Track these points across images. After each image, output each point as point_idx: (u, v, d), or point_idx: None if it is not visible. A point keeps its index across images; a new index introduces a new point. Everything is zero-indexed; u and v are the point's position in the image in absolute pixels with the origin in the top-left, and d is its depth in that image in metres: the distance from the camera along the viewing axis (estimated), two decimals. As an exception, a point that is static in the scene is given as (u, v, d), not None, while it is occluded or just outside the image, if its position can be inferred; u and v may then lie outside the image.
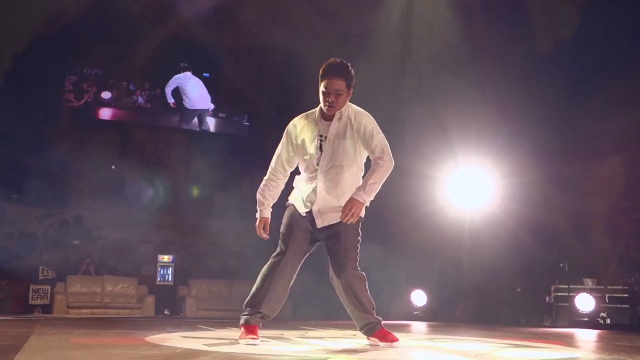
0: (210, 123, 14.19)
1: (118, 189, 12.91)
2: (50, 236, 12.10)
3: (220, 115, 14.31)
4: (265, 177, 4.02)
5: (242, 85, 14.13)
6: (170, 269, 11.64)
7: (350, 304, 3.96)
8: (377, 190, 3.73)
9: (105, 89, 13.64)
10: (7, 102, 10.82)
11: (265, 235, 3.99)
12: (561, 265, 8.85)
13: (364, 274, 3.96)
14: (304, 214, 3.89)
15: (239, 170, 12.34)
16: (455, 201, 9.58)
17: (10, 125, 11.02)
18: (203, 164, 12.66)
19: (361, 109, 3.91)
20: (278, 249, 3.92)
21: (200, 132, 14.16)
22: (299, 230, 3.87)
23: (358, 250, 3.96)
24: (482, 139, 8.94)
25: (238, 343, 3.75)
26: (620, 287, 8.32)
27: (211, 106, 14.11)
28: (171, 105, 13.81)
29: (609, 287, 8.32)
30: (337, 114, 3.82)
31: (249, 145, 13.48)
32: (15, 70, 10.74)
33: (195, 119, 14.08)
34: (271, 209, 4.02)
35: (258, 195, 4.00)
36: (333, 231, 3.88)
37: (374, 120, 3.86)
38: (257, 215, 3.99)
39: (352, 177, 3.86)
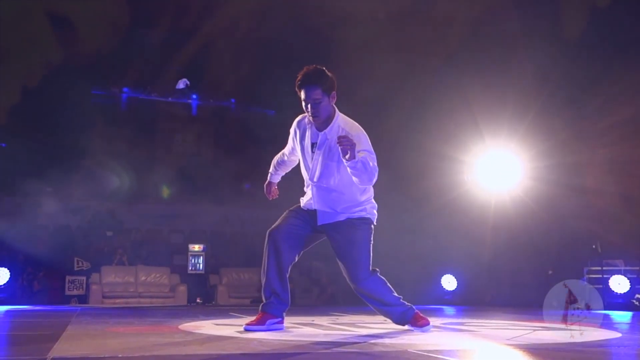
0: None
1: (148, 181, 13.09)
2: (84, 228, 12.35)
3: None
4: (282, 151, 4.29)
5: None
6: (201, 258, 11.80)
7: (375, 306, 3.98)
8: (362, 174, 3.58)
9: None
10: (42, 98, 11.05)
11: (269, 195, 4.37)
12: (594, 247, 8.72)
13: (377, 275, 3.89)
14: (305, 208, 3.99)
15: (265, 159, 12.39)
16: (484, 184, 9.49)
17: (43, 120, 11.24)
18: (230, 154, 12.75)
19: (351, 121, 3.88)
20: None
21: (227, 122, 14.28)
22: (289, 212, 4.03)
23: (370, 254, 3.89)
24: (509, 122, 8.81)
25: (269, 330, 3.80)
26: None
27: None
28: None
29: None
30: (329, 125, 3.81)
31: (276, 133, 13.53)
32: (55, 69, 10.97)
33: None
34: (277, 177, 4.39)
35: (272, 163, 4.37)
36: (339, 234, 3.86)
37: (366, 135, 3.80)
38: None
39: (346, 184, 3.79)
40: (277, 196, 4.38)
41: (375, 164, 3.69)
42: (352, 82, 9.90)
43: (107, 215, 12.66)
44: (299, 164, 4.11)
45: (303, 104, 3.81)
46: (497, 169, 9.29)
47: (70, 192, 12.11)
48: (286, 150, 4.21)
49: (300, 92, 3.80)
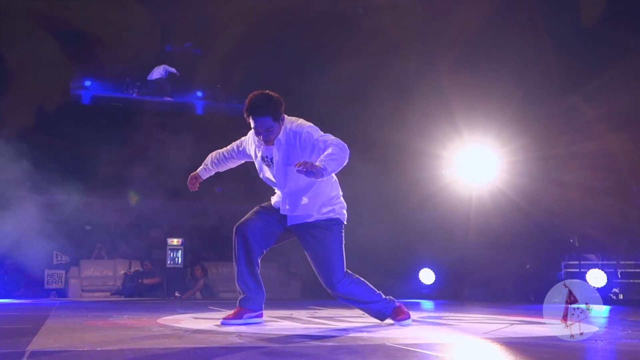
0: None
1: (127, 174, 12.98)
2: (63, 222, 12.22)
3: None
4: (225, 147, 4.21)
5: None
6: (180, 251, 11.72)
7: (354, 305, 3.98)
8: (336, 165, 3.42)
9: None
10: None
11: (191, 186, 4.21)
12: (571, 241, 8.82)
13: (352, 277, 3.84)
14: (275, 207, 3.94)
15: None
16: (462, 179, 9.56)
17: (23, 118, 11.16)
18: (209, 148, 12.69)
19: (297, 120, 3.79)
20: None
21: (206, 116, 14.23)
22: (259, 208, 3.99)
23: (343, 256, 3.84)
24: (487, 117, 8.88)
25: (246, 324, 3.81)
26: (632, 262, 8.30)
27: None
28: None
29: (622, 262, 8.30)
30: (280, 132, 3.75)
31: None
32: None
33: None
34: (208, 174, 4.27)
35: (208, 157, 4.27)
36: (309, 236, 3.81)
37: (315, 127, 3.74)
38: None
39: (317, 184, 3.76)
40: (197, 189, 4.24)
41: (333, 138, 3.58)
42: (332, 79, 9.93)
43: (86, 209, 12.54)
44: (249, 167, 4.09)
45: (253, 130, 3.77)
46: (476, 163, 9.35)
47: (48, 185, 11.97)
48: (233, 149, 4.13)
49: (248, 118, 3.73)
